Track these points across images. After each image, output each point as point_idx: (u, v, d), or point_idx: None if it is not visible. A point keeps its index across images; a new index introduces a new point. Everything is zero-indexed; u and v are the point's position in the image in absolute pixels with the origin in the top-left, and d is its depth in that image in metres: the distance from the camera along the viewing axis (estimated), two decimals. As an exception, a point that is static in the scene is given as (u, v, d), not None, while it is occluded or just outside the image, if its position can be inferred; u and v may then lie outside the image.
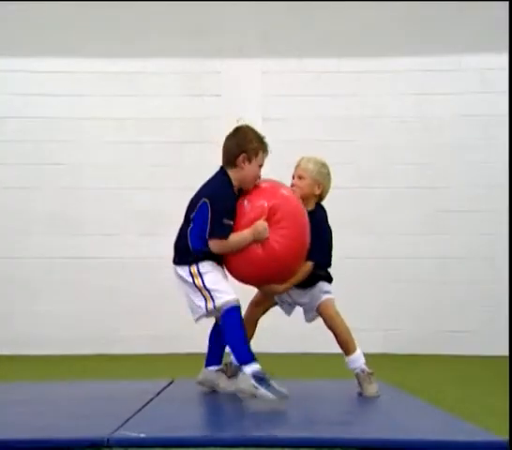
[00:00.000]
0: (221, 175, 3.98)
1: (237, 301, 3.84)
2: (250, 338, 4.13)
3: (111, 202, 7.19)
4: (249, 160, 3.94)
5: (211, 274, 3.88)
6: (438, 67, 7.16)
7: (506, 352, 6.03)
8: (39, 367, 6.25)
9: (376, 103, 7.22)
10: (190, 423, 3.43)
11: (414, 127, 7.21)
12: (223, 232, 3.83)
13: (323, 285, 4.21)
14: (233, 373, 4.09)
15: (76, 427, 3.23)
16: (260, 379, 3.71)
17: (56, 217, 7.19)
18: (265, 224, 3.85)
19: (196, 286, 3.86)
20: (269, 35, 7.25)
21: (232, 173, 3.95)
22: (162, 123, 7.23)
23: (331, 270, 4.22)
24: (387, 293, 7.08)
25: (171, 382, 4.56)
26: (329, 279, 4.26)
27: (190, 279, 3.87)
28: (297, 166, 4.23)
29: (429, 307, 7.07)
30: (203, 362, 4.14)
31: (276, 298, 4.27)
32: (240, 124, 4.04)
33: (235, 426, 3.34)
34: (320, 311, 4.20)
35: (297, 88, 7.27)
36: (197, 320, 3.95)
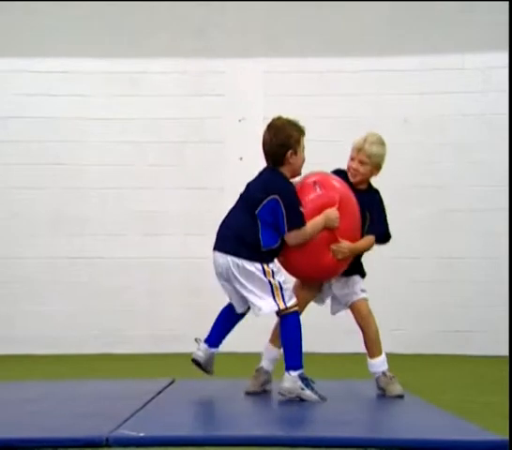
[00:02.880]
0: (277, 173, 3.99)
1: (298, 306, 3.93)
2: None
3: (114, 202, 7.18)
4: (296, 152, 3.98)
5: (282, 274, 3.95)
6: (441, 65, 7.12)
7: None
8: (41, 366, 6.24)
9: (379, 102, 7.19)
10: (190, 422, 3.44)
11: (418, 127, 7.17)
12: (301, 221, 3.89)
13: (360, 282, 4.19)
14: (263, 381, 4.12)
15: (75, 426, 3.24)
16: (305, 380, 3.84)
17: (59, 217, 7.17)
18: (337, 213, 3.95)
19: (270, 284, 3.86)
20: (272, 34, 7.24)
21: (283, 170, 3.99)
22: (165, 123, 7.21)
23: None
24: (392, 293, 7.04)
25: (171, 382, 4.57)
26: (363, 274, 4.24)
27: (263, 276, 3.87)
28: (360, 149, 4.12)
29: (434, 307, 7.04)
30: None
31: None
32: (275, 119, 4.03)
33: (235, 425, 3.34)
34: (354, 309, 4.17)
35: (300, 88, 7.24)
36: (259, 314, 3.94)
